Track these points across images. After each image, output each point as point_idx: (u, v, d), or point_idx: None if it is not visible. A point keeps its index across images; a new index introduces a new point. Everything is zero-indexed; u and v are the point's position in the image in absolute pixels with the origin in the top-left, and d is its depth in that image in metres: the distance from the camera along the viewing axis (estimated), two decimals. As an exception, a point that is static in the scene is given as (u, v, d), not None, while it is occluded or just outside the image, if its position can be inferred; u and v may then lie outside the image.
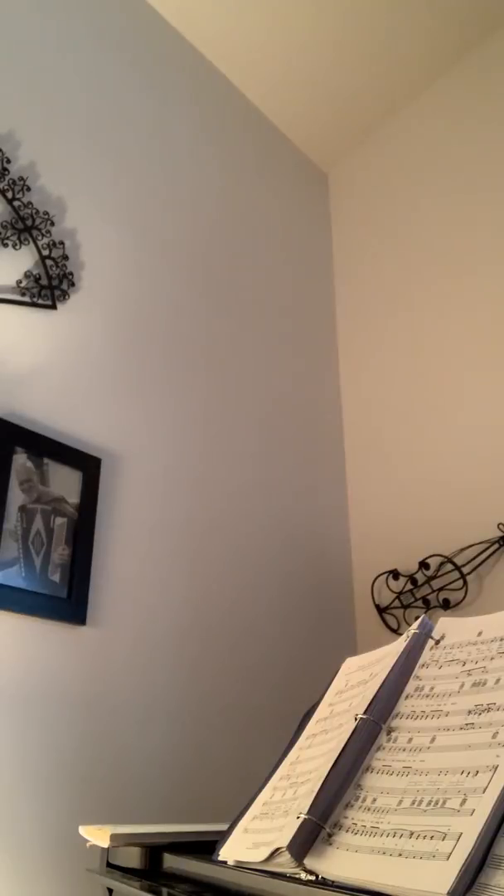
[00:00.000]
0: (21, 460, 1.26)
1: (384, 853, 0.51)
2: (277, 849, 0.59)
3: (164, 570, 1.45)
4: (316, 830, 0.58)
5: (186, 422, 1.63)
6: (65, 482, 1.31)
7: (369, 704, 0.67)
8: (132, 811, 1.21)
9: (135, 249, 1.68)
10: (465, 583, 1.61)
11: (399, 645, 0.74)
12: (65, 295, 1.46)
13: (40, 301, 1.41)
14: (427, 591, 1.69)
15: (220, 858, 0.68)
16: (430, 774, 0.56)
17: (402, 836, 0.52)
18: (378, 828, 0.55)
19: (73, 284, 1.49)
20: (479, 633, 0.68)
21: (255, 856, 0.62)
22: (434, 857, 0.48)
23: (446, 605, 1.65)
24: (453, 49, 2.11)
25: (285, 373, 1.98)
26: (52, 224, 1.48)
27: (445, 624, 0.73)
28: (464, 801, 0.51)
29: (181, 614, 1.44)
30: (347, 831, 0.57)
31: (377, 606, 1.78)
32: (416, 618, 0.78)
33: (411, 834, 0.51)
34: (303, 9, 2.01)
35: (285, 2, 1.99)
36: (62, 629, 1.23)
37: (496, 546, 1.59)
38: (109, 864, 0.84)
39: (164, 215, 1.79)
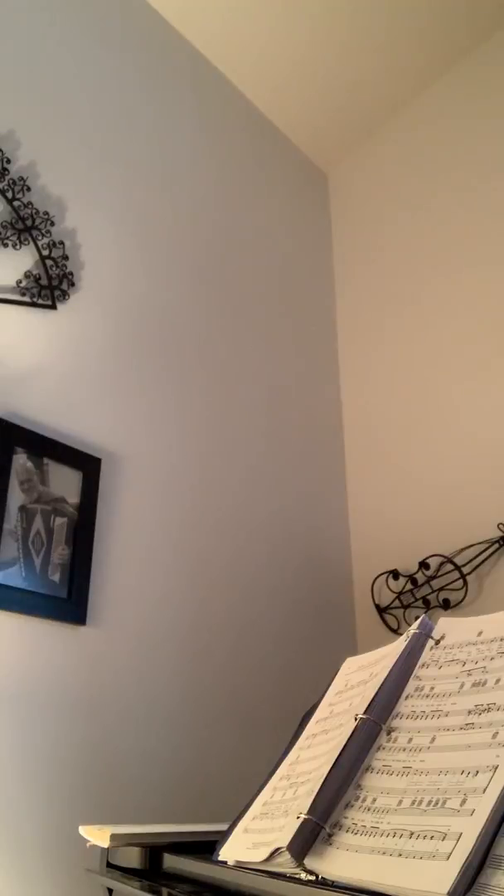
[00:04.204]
0: (21, 460, 1.26)
1: (384, 853, 0.51)
2: (277, 849, 0.59)
3: (164, 569, 1.45)
4: (316, 830, 0.58)
5: (186, 421, 1.63)
6: (65, 482, 1.31)
7: (369, 704, 0.67)
8: (132, 811, 1.21)
9: (135, 249, 1.68)
10: (465, 583, 1.61)
11: (399, 645, 0.74)
12: (65, 295, 1.46)
13: (40, 301, 1.41)
14: (427, 591, 1.69)
15: (220, 858, 0.68)
16: (430, 774, 0.56)
17: (402, 836, 0.52)
18: (378, 828, 0.54)
19: (73, 284, 1.49)
20: (479, 633, 0.68)
21: (255, 856, 0.62)
22: (434, 857, 0.48)
23: (446, 605, 1.65)
24: (453, 49, 2.11)
25: (285, 373, 1.98)
26: (52, 224, 1.48)
27: (445, 624, 0.73)
28: (464, 801, 0.51)
29: (181, 614, 1.44)
30: (347, 831, 0.57)
31: (377, 606, 1.78)
32: (416, 618, 0.78)
33: (411, 834, 0.51)
34: (303, 9, 2.01)
35: (286, 2, 1.99)
36: (62, 629, 1.23)
37: (496, 546, 1.59)
38: (109, 864, 0.84)
39: (164, 215, 1.79)
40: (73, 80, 1.69)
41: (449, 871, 0.46)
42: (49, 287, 1.43)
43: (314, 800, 0.59)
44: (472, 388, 1.78)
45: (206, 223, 1.92)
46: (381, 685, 0.68)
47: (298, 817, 0.58)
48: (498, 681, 0.60)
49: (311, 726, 0.79)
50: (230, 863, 0.66)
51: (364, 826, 0.56)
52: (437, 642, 0.72)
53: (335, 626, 1.79)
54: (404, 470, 1.87)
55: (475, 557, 1.60)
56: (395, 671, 0.70)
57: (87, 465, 1.35)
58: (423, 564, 1.69)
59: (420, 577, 1.70)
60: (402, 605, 1.73)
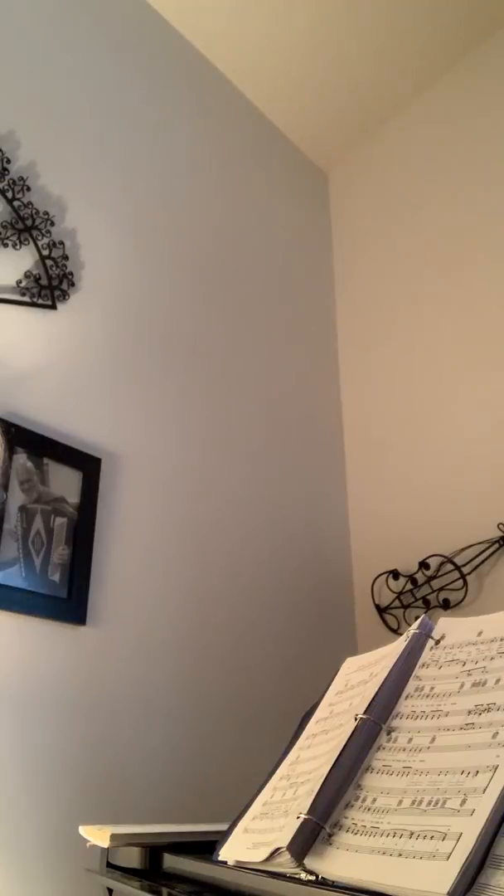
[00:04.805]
0: (21, 460, 1.26)
1: (384, 853, 0.51)
2: (277, 849, 0.59)
3: (164, 569, 1.45)
4: (316, 830, 0.58)
5: (187, 421, 1.63)
6: (65, 482, 1.31)
7: (369, 704, 0.67)
8: (132, 811, 1.21)
9: (135, 249, 1.68)
10: (465, 583, 1.61)
11: (399, 645, 0.74)
12: (65, 295, 1.46)
13: (40, 301, 1.41)
14: (427, 591, 1.69)
15: (220, 858, 0.68)
16: (430, 774, 0.56)
17: (402, 836, 0.52)
18: (378, 828, 0.54)
19: (73, 284, 1.49)
20: (479, 633, 0.68)
21: (255, 856, 0.62)
22: (434, 857, 0.48)
23: (446, 605, 1.65)
24: (454, 49, 2.11)
25: (285, 373, 1.98)
26: (52, 224, 1.48)
27: (445, 624, 0.73)
28: (464, 801, 0.51)
29: (181, 614, 1.44)
30: (347, 831, 0.57)
31: (377, 606, 1.78)
32: (416, 618, 0.78)
33: (411, 834, 0.51)
34: (303, 9, 2.01)
35: (286, 2, 1.99)
36: (62, 629, 1.23)
37: (496, 546, 1.59)
38: (109, 864, 0.84)
39: (163, 215, 1.79)
40: (73, 80, 1.69)
41: (449, 871, 0.46)
42: (49, 287, 1.43)
43: (314, 800, 0.59)
44: (473, 388, 1.78)
45: (206, 223, 1.92)
46: (381, 685, 0.68)
47: (298, 817, 0.58)
48: (498, 681, 0.60)
49: (311, 726, 0.79)
50: (230, 863, 0.66)
51: (364, 826, 0.56)
52: (437, 642, 0.72)
53: (335, 626, 1.79)
54: (404, 470, 1.87)
55: (475, 557, 1.60)
56: (395, 671, 0.70)
57: (87, 465, 1.35)
58: (423, 564, 1.69)
59: (420, 577, 1.70)
60: (402, 605, 1.73)
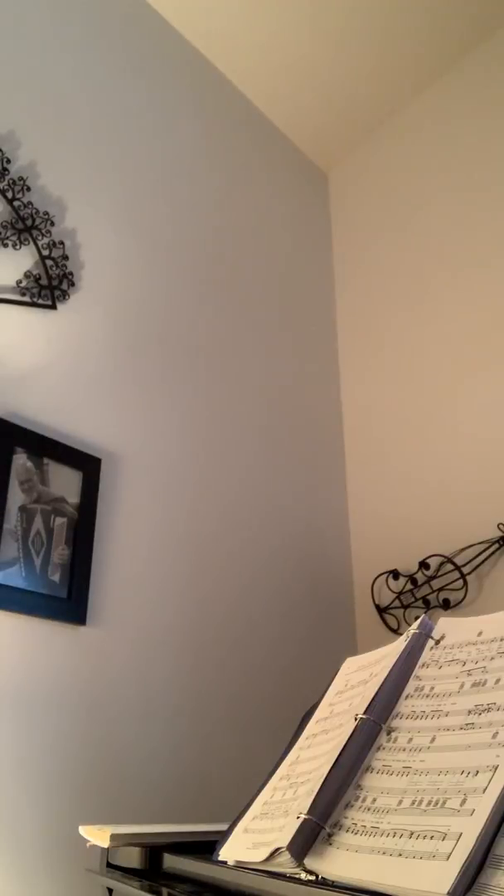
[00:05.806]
0: (21, 460, 1.26)
1: (384, 853, 0.51)
2: (277, 849, 0.59)
3: (164, 569, 1.45)
4: (316, 830, 0.58)
5: (186, 422, 1.63)
6: (65, 482, 1.31)
7: (369, 704, 0.67)
8: (132, 811, 1.21)
9: (135, 249, 1.68)
10: (465, 583, 1.61)
11: (399, 645, 0.74)
12: (65, 295, 1.46)
13: (40, 301, 1.41)
14: (427, 591, 1.69)
15: (220, 858, 0.68)
16: (430, 774, 0.56)
17: (402, 836, 0.52)
18: (378, 828, 0.54)
19: (73, 284, 1.49)
20: (479, 634, 0.68)
21: (255, 856, 0.62)
22: (434, 857, 0.48)
23: (446, 605, 1.65)
24: (454, 49, 2.11)
25: (285, 373, 1.98)
26: (52, 224, 1.48)
27: (445, 624, 0.73)
28: (464, 801, 0.51)
29: (181, 614, 1.44)
30: (347, 831, 0.57)
31: (377, 606, 1.78)
32: (416, 618, 0.78)
33: (411, 834, 0.51)
34: (303, 9, 2.01)
35: (286, 2, 1.99)
36: (62, 629, 1.23)
37: (496, 546, 1.59)
38: (109, 864, 0.84)
39: (164, 215, 1.79)
40: (73, 80, 1.69)
41: (449, 871, 0.46)
42: (49, 287, 1.43)
43: (314, 800, 0.59)
44: (473, 388, 1.78)
45: (206, 223, 1.92)
46: (381, 685, 0.68)
47: (298, 817, 0.58)
48: (498, 681, 0.60)
49: (311, 726, 0.79)
50: (230, 863, 0.66)
51: (364, 826, 0.56)
52: (437, 642, 0.72)
53: (335, 626, 1.79)
54: (404, 470, 1.87)
55: (475, 557, 1.60)
56: (395, 671, 0.70)
57: (87, 465, 1.35)
58: (423, 564, 1.69)
59: (420, 577, 1.70)
60: (402, 605, 1.73)
